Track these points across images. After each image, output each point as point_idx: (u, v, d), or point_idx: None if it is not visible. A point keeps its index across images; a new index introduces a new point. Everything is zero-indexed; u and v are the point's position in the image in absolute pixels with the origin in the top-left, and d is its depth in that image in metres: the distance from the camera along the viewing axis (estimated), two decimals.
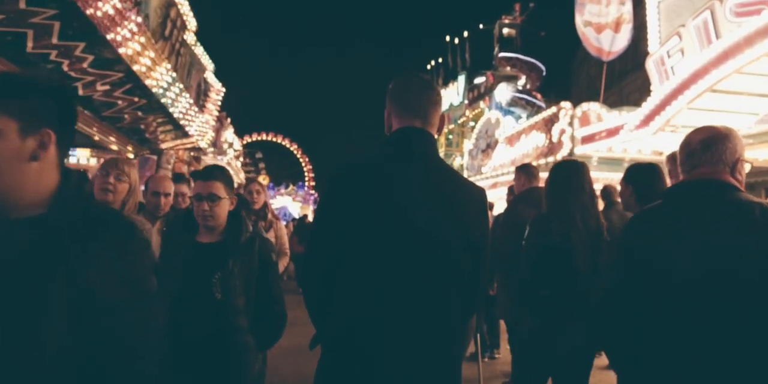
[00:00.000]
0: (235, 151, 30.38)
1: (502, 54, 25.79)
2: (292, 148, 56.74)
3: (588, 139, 8.61)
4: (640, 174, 2.94)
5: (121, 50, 7.14)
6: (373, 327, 1.55)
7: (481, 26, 27.74)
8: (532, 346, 2.90)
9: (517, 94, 24.20)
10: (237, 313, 2.27)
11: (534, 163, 13.14)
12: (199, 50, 12.31)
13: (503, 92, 24.48)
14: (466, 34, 30.28)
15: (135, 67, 7.90)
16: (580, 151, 8.84)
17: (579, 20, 10.70)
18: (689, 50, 8.03)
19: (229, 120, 27.64)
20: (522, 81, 25.43)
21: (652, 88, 9.03)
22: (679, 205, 1.75)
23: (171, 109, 10.15)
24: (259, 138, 54.71)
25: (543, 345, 2.80)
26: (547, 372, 2.93)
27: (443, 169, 1.73)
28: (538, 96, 25.60)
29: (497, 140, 15.98)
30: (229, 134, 28.27)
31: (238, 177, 31.47)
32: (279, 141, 55.97)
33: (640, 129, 7.02)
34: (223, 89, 15.41)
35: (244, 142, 47.68)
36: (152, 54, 8.10)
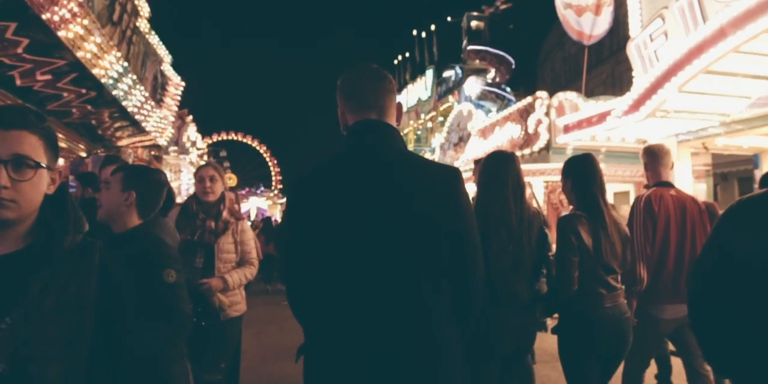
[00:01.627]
0: (198, 149, 29.36)
1: (470, 47, 25.37)
2: (261, 150, 55.54)
3: (571, 128, 8.21)
4: (577, 166, 2.95)
5: (61, 33, 6.39)
6: (347, 335, 1.54)
7: (449, 19, 27.35)
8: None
9: (487, 88, 23.83)
10: None
11: None
12: (154, 40, 11.50)
13: (473, 86, 24.09)
14: (433, 27, 29.91)
15: (79, 54, 7.15)
16: (562, 140, 8.45)
17: (559, 2, 10.33)
18: (673, 33, 7.66)
19: (191, 117, 26.66)
20: (491, 74, 25.08)
21: (634, 73, 8.66)
22: None
23: (124, 103, 9.37)
24: (227, 137, 53.42)
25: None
26: None
27: (404, 159, 1.66)
28: (508, 89, 25.34)
29: (470, 133, 15.55)
30: (191, 132, 27.28)
31: None
32: (247, 141, 54.70)
33: (629, 114, 6.63)
34: (183, 83, 14.58)
35: (210, 141, 46.49)
36: (99, 39, 7.34)
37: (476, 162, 4.61)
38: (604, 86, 28.59)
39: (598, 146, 11.47)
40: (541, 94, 11.75)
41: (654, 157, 3.64)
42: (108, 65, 7.95)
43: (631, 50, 8.57)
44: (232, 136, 53.88)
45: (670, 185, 3.58)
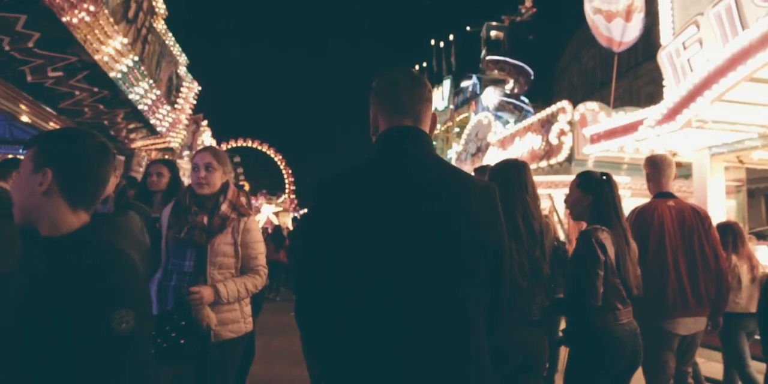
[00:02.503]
0: None
1: (489, 57, 25.13)
2: (276, 158, 55.40)
3: (598, 138, 7.85)
4: (600, 185, 2.90)
5: (77, 35, 6.18)
6: (381, 355, 1.39)
7: (468, 28, 27.15)
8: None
9: (505, 99, 23.57)
10: None
11: (532, 167, 12.47)
12: (170, 41, 11.34)
13: (491, 96, 23.84)
14: (451, 37, 29.72)
15: (97, 57, 6.95)
16: (588, 150, 8.09)
17: (588, 7, 10.00)
18: (708, 41, 7.30)
19: (206, 122, 26.60)
20: (510, 85, 24.81)
21: (665, 82, 8.31)
22: None
23: (138, 104, 9.17)
24: (243, 144, 53.39)
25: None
26: None
27: (443, 168, 1.59)
28: (526, 101, 25.03)
29: (488, 143, 15.21)
30: (206, 137, 27.21)
31: None
32: (263, 149, 54.60)
33: (663, 124, 6.26)
34: (199, 87, 14.41)
35: (225, 148, 46.49)
36: (116, 41, 7.14)
37: (478, 170, 4.44)
38: (622, 101, 28.23)
39: (620, 159, 11.09)
40: (564, 103, 11.41)
41: (656, 168, 3.63)
42: (121, 63, 7.75)
43: (662, 59, 8.21)
44: (248, 143, 53.86)
45: (670, 196, 3.57)
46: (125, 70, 7.56)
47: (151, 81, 10.01)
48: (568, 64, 39.43)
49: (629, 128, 7.22)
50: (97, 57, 6.50)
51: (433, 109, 1.73)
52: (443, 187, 1.53)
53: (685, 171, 11.60)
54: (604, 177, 2.91)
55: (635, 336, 2.75)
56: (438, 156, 1.65)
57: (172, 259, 2.79)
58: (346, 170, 1.57)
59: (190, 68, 14.18)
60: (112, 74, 7.31)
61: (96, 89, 8.44)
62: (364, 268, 1.44)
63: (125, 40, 7.32)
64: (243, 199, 3.03)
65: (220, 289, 2.68)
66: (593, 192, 2.90)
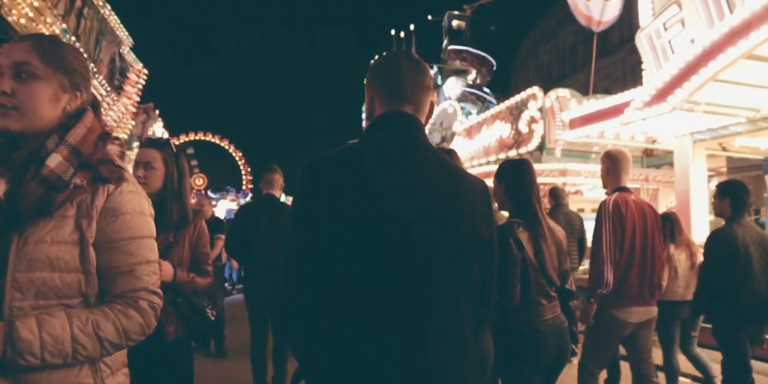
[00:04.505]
0: None
1: (451, 47, 24.62)
2: (231, 150, 53.87)
3: (579, 123, 7.39)
4: (512, 170, 2.84)
5: None
6: (374, 353, 1.32)
7: (429, 17, 26.58)
8: None
9: (468, 89, 23.16)
10: None
11: (497, 157, 11.99)
12: (113, 19, 10.34)
13: (453, 87, 23.41)
14: (412, 27, 29.12)
15: (11, 19, 6.04)
16: (566, 136, 7.62)
17: None
18: (692, 20, 6.90)
19: (157, 112, 25.30)
20: (472, 75, 24.38)
21: (644, 66, 7.91)
22: None
23: None
24: (196, 138, 51.67)
25: None
26: None
27: (440, 161, 1.52)
28: (488, 91, 24.71)
29: (454, 133, 14.70)
30: (157, 128, 25.91)
31: None
32: (217, 142, 52.98)
33: (653, 106, 5.82)
34: (145, 70, 13.38)
35: (177, 142, 44.94)
36: (36, 3, 6.23)
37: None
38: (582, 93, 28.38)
39: (590, 147, 10.73)
40: (535, 90, 10.96)
41: (615, 162, 3.66)
42: (45, 30, 6.81)
43: (642, 41, 7.81)
44: (201, 136, 52.13)
45: (628, 191, 3.64)
46: (43, 29, 6.62)
47: (91, 65, 9.06)
48: (524, 59, 39.57)
49: (613, 111, 6.77)
50: (10, 19, 5.61)
51: (431, 97, 1.62)
52: (441, 180, 1.47)
53: (656, 161, 11.38)
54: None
55: (560, 330, 2.68)
56: (434, 148, 1.56)
57: None
58: (338, 154, 1.47)
59: (136, 51, 13.17)
60: None
61: None
62: (357, 260, 1.35)
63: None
64: (114, 147, 1.56)
65: (21, 333, 1.21)
66: (505, 180, 2.84)
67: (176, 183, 2.58)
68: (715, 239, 3.77)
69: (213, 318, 2.58)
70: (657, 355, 4.23)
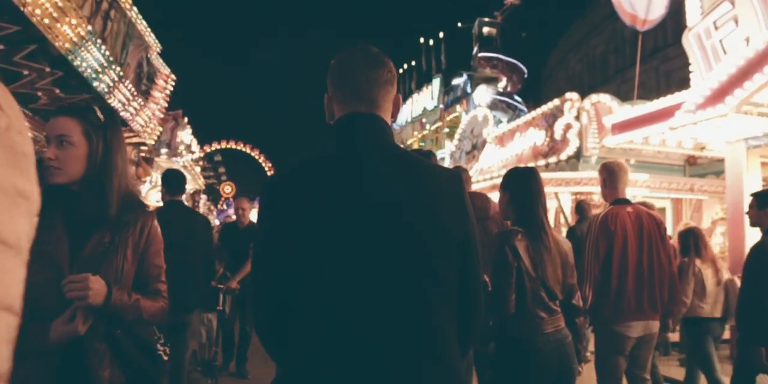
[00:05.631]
0: (191, 152, 28.08)
1: (482, 54, 24.19)
2: (259, 159, 54.41)
3: (622, 127, 6.93)
4: (518, 178, 2.78)
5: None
6: (341, 363, 1.27)
7: (459, 25, 26.23)
8: None
9: (498, 97, 22.68)
10: None
11: (531, 165, 11.54)
12: (142, 24, 10.26)
13: (483, 94, 22.94)
14: (441, 34, 28.80)
15: (35, 19, 5.89)
16: (609, 142, 7.16)
17: None
18: (747, 18, 6.46)
19: (186, 119, 25.44)
20: (503, 83, 23.90)
21: (691, 67, 7.45)
22: None
23: (96, 85, 8.08)
24: (225, 146, 52.33)
25: None
26: None
27: (401, 158, 1.44)
28: (519, 99, 24.22)
29: (485, 140, 14.28)
30: (185, 135, 26.04)
31: (197, 183, 29.21)
32: (246, 150, 53.58)
33: (707, 108, 5.37)
34: (173, 75, 13.32)
35: (206, 151, 45.44)
36: (60, 3, 6.08)
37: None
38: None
39: (636, 151, 10.21)
40: (572, 95, 10.52)
41: (613, 175, 3.66)
42: (71, 32, 6.66)
43: (689, 41, 7.37)
44: (231, 145, 52.76)
45: (627, 202, 3.64)
46: (71, 35, 6.46)
47: (118, 68, 8.96)
48: (555, 67, 38.97)
49: (661, 115, 6.32)
50: (34, 20, 5.44)
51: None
52: (398, 178, 1.40)
53: (700, 170, 10.81)
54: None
55: (563, 346, 2.57)
56: (396, 146, 1.52)
57: None
58: (295, 167, 1.45)
59: (167, 59, 13.11)
60: (57, 43, 6.24)
61: (47, 69, 7.36)
62: (318, 272, 1.32)
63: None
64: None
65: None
66: (509, 188, 2.80)
67: (106, 164, 1.81)
68: (757, 254, 3.57)
69: (166, 357, 1.90)
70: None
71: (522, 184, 2.75)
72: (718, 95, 5.25)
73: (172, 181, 4.43)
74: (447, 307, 1.39)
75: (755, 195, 3.90)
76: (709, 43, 6.98)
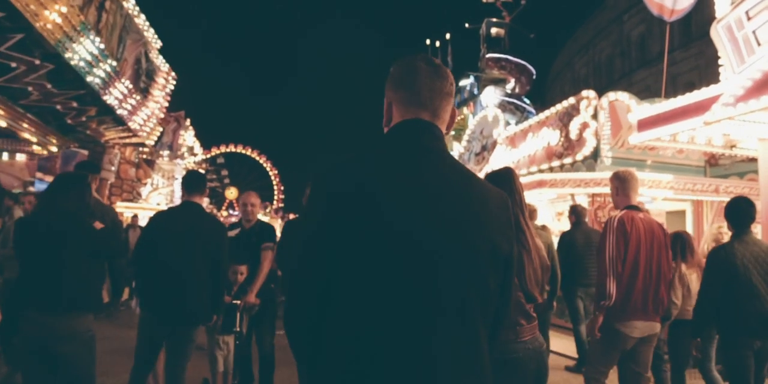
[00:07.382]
0: (194, 155, 27.68)
1: (489, 55, 23.74)
2: (261, 161, 54.23)
3: (650, 124, 6.49)
4: (497, 179, 2.67)
5: None
6: (381, 367, 1.25)
7: (467, 25, 25.81)
8: None
9: (506, 98, 22.26)
10: None
11: (544, 166, 11.07)
12: (139, 19, 9.87)
13: (491, 96, 22.53)
14: (448, 36, 28.39)
15: (19, 5, 5.49)
16: (635, 139, 6.73)
17: None
18: None
19: (188, 121, 25.08)
20: (511, 84, 23.46)
21: (721, 61, 7.00)
22: None
23: (89, 79, 7.67)
24: (227, 150, 52.20)
25: None
26: None
27: (458, 171, 1.44)
28: (527, 101, 23.79)
29: (495, 141, 13.83)
30: (188, 137, 25.68)
31: None
32: (248, 153, 53.40)
33: (749, 100, 4.92)
34: (174, 74, 12.93)
35: (209, 155, 45.22)
36: None
37: None
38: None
39: (644, 158, 9.79)
40: (588, 93, 10.08)
41: (625, 182, 3.82)
42: (60, 20, 6.23)
43: (719, 32, 6.91)
44: (232, 149, 52.57)
45: (638, 209, 3.78)
46: (60, 23, 6.05)
47: (114, 63, 8.56)
48: (560, 72, 38.58)
49: (695, 109, 5.85)
50: (19, 5, 5.02)
51: (453, 104, 1.54)
52: (458, 192, 1.39)
53: (722, 171, 10.33)
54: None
55: (539, 354, 2.58)
56: (453, 157, 1.48)
57: None
58: (350, 163, 1.39)
59: (173, 63, 12.73)
60: (46, 33, 5.82)
61: (37, 62, 6.96)
62: (367, 274, 1.28)
63: None
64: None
65: None
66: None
67: None
68: (713, 258, 3.83)
69: None
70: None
71: (499, 184, 2.57)
72: (761, 87, 4.81)
73: (186, 180, 4.14)
74: (487, 324, 1.41)
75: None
76: (741, 35, 6.52)
